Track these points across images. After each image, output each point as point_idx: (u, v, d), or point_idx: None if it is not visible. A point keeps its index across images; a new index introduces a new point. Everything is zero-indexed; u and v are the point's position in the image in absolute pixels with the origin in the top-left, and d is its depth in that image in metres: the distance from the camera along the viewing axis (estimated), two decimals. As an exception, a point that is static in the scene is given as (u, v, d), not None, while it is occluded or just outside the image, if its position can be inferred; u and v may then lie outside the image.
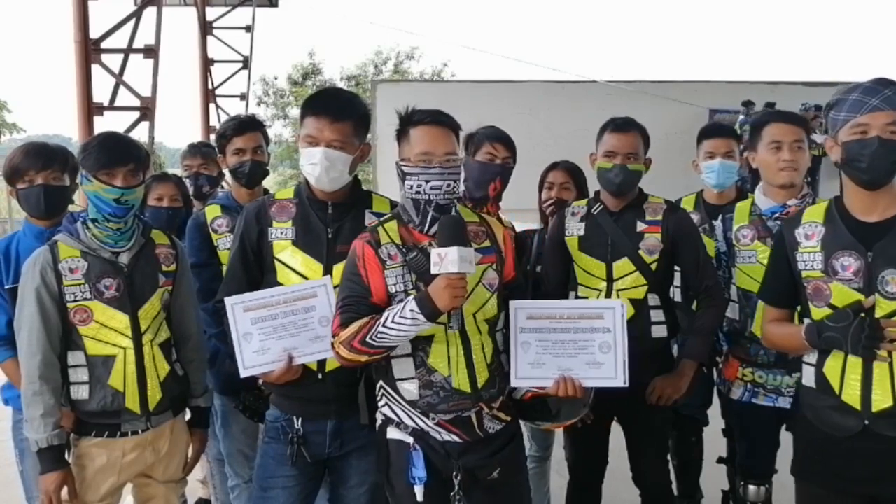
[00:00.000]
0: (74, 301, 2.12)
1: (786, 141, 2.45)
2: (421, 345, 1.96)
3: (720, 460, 3.09)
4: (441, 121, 2.00)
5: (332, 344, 1.96)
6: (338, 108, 2.10)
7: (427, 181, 1.94)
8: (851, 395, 1.89)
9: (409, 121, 2.01)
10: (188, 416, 2.42)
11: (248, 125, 2.90)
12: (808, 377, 2.01)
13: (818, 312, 1.96)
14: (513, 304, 2.01)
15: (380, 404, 2.06)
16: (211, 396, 2.48)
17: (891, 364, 1.85)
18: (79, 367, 2.15)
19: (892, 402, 1.85)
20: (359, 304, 1.95)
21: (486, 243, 2.04)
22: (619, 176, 2.51)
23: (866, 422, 1.87)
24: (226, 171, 2.97)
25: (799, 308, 2.09)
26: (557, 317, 2.00)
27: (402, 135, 2.02)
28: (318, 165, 2.07)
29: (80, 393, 2.15)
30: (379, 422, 2.07)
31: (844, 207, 1.97)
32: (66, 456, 2.16)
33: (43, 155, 2.49)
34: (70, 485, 2.12)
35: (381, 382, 2.05)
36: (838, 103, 1.94)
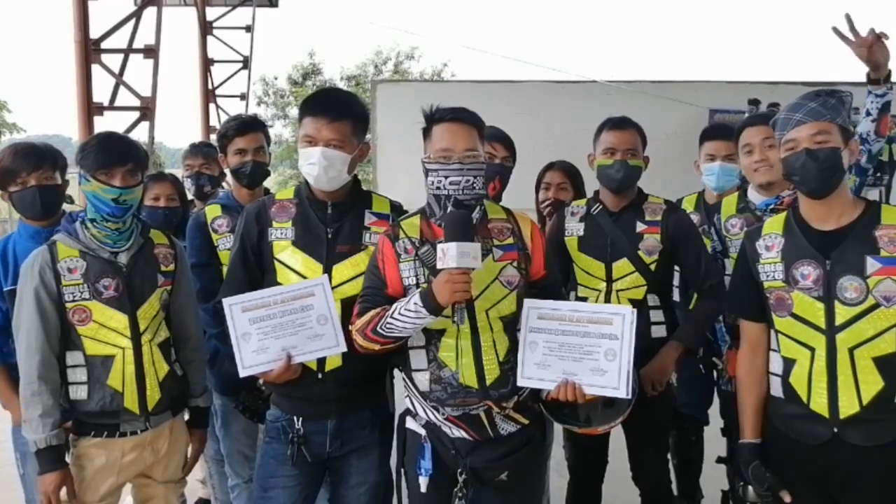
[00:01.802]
0: (73, 301, 2.12)
1: (755, 143, 2.50)
2: (433, 338, 1.99)
3: (720, 460, 3.08)
4: (462, 118, 2.02)
5: (351, 332, 2.01)
6: (336, 108, 2.11)
7: (446, 177, 1.97)
8: (819, 403, 1.90)
9: (431, 118, 2.04)
10: (187, 416, 2.42)
11: (250, 125, 2.89)
12: (775, 387, 2.02)
13: (781, 322, 1.98)
14: (526, 302, 2.01)
15: (404, 394, 2.11)
16: (210, 396, 2.48)
17: (854, 370, 1.87)
18: (77, 367, 2.14)
19: (858, 408, 1.86)
20: (375, 295, 2.01)
21: (510, 240, 2.04)
22: (621, 171, 2.52)
23: (835, 429, 1.89)
24: (227, 171, 2.96)
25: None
26: (567, 319, 1.97)
27: (426, 132, 2.06)
28: (317, 165, 2.07)
29: (79, 393, 2.14)
30: (402, 410, 2.14)
31: (802, 218, 2.01)
32: (66, 456, 2.15)
33: (33, 155, 2.46)
34: (69, 485, 2.12)
35: (403, 373, 2.09)
36: (775, 123, 2.02)
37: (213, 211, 2.81)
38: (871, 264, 1.87)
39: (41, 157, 2.47)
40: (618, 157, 2.52)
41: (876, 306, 1.86)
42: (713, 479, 3.23)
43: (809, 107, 1.93)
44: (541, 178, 3.12)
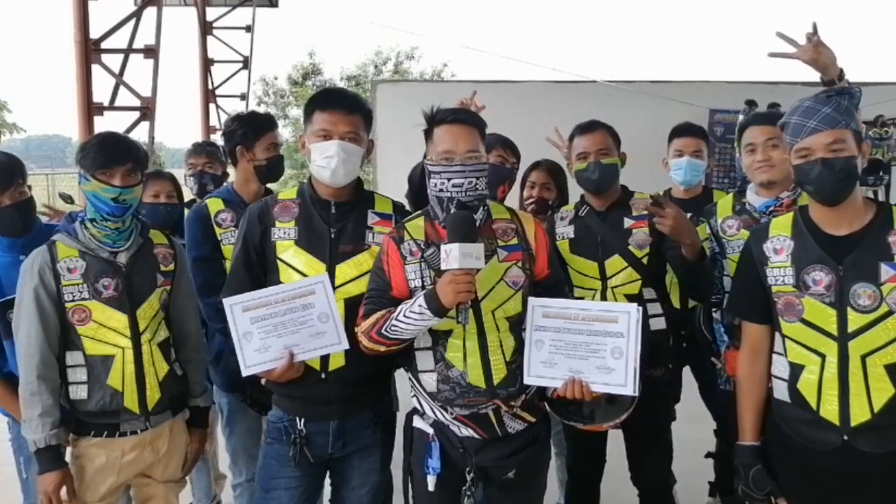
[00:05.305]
0: (73, 301, 2.12)
1: (758, 142, 2.48)
2: (440, 339, 1.99)
3: (709, 455, 3.18)
4: (463, 119, 2.02)
5: (356, 334, 2.01)
6: (349, 102, 2.15)
7: (449, 179, 1.97)
8: (829, 410, 1.88)
9: (433, 120, 2.04)
10: (188, 415, 2.42)
11: (276, 121, 2.90)
12: (781, 391, 1.99)
13: (789, 327, 1.96)
14: (531, 300, 2.00)
15: (410, 394, 2.11)
16: (210, 396, 2.47)
17: (866, 378, 1.85)
18: (77, 366, 2.14)
19: (870, 415, 1.84)
20: (380, 297, 2.01)
21: (514, 241, 2.05)
22: (595, 172, 2.55)
23: (845, 437, 1.87)
24: (243, 167, 2.84)
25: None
26: (573, 317, 1.96)
27: (428, 134, 2.06)
28: (335, 157, 2.08)
29: (79, 393, 2.14)
30: (409, 409, 2.14)
31: (812, 221, 1.98)
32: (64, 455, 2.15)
33: (3, 173, 2.36)
34: (69, 484, 2.12)
35: (409, 373, 2.09)
36: (786, 126, 1.98)
37: (215, 205, 2.75)
38: (886, 271, 1.85)
39: (10, 172, 2.38)
40: (591, 160, 2.55)
41: (890, 313, 1.83)
42: (706, 474, 3.26)
43: (824, 112, 1.88)
44: (526, 176, 3.19)
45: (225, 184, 3.28)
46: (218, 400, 2.80)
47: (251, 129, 2.82)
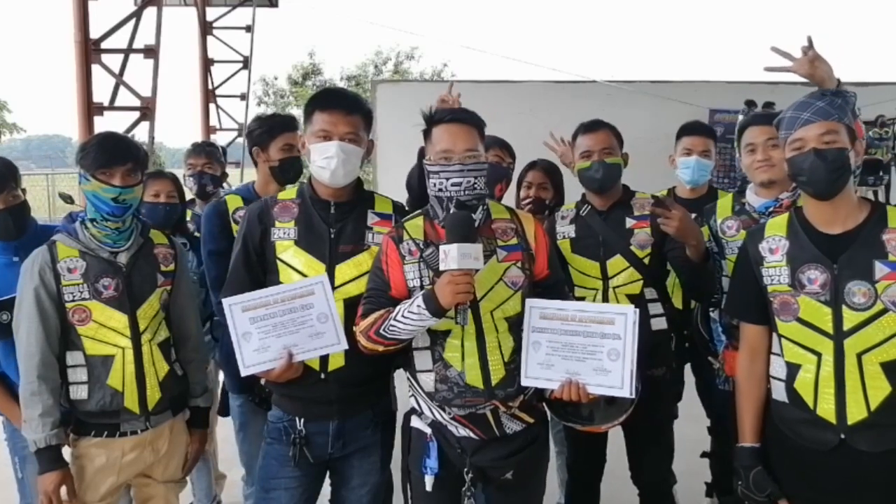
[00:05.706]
0: (73, 301, 2.12)
1: (758, 143, 2.48)
2: (439, 339, 1.99)
3: (704, 455, 3.17)
4: (461, 118, 2.02)
5: (355, 333, 2.01)
6: (349, 103, 2.15)
7: (448, 178, 1.97)
8: (826, 409, 1.88)
9: (431, 120, 2.04)
10: (188, 415, 2.42)
11: (295, 122, 2.89)
12: (779, 391, 1.99)
13: (785, 327, 1.96)
14: (528, 301, 2.00)
15: (409, 394, 2.11)
16: (210, 396, 2.48)
17: (862, 376, 1.85)
18: (78, 366, 2.15)
19: (866, 413, 1.84)
20: (379, 296, 2.01)
21: (514, 241, 2.04)
22: (599, 171, 2.55)
23: (842, 435, 1.87)
24: (262, 168, 2.83)
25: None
26: (569, 319, 1.96)
27: (427, 134, 2.06)
28: (335, 158, 2.08)
29: (79, 393, 2.15)
30: (406, 409, 2.14)
31: (806, 220, 1.99)
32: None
33: None
34: (69, 484, 2.13)
35: (407, 373, 2.09)
36: (780, 122, 2.00)
37: (234, 201, 2.71)
38: (880, 269, 1.85)
39: (3, 177, 2.37)
40: (595, 159, 2.56)
41: (884, 311, 1.84)
42: (699, 474, 3.26)
43: (817, 106, 1.91)
44: (522, 176, 3.19)
45: (227, 188, 3.27)
46: (232, 404, 2.76)
47: (267, 129, 2.81)
